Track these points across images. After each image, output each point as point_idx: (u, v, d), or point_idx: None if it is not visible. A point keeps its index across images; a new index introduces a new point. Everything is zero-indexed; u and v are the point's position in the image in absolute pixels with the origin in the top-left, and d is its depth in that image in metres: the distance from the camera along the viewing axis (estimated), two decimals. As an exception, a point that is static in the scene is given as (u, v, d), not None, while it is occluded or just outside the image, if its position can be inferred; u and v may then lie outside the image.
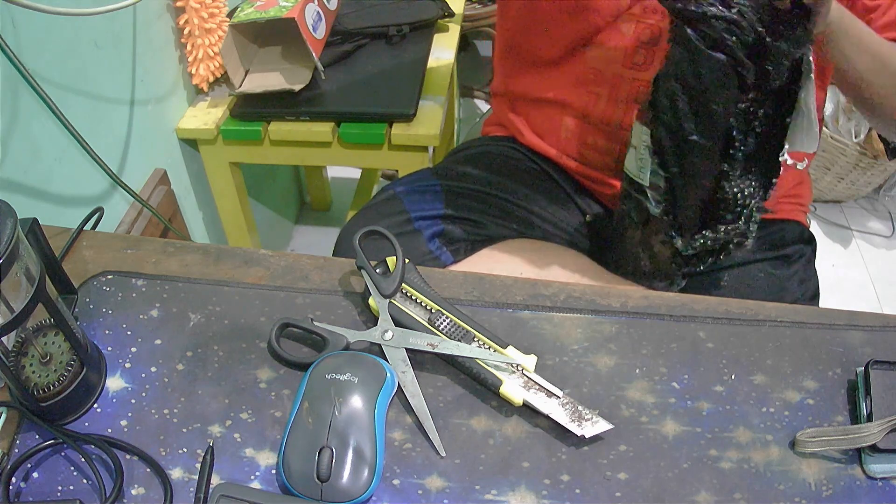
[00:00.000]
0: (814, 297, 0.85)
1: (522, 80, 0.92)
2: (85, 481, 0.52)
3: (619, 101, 0.81)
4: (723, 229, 0.71)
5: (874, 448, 0.52)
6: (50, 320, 0.54)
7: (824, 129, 1.85)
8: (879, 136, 1.79)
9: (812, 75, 0.63)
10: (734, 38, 0.59)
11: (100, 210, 0.71)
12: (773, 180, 0.70)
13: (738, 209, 0.69)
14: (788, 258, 0.85)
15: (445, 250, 0.82)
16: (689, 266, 0.76)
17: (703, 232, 0.71)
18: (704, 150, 0.65)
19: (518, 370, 0.57)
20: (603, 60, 0.80)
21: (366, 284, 0.61)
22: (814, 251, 0.90)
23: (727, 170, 0.67)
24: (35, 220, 0.57)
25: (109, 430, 0.55)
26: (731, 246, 0.73)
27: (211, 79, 1.18)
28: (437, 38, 1.32)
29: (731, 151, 0.66)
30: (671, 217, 0.71)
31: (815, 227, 1.92)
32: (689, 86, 0.63)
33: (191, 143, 1.20)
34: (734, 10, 0.59)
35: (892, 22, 0.75)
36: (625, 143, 0.78)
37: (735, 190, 0.68)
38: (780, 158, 0.67)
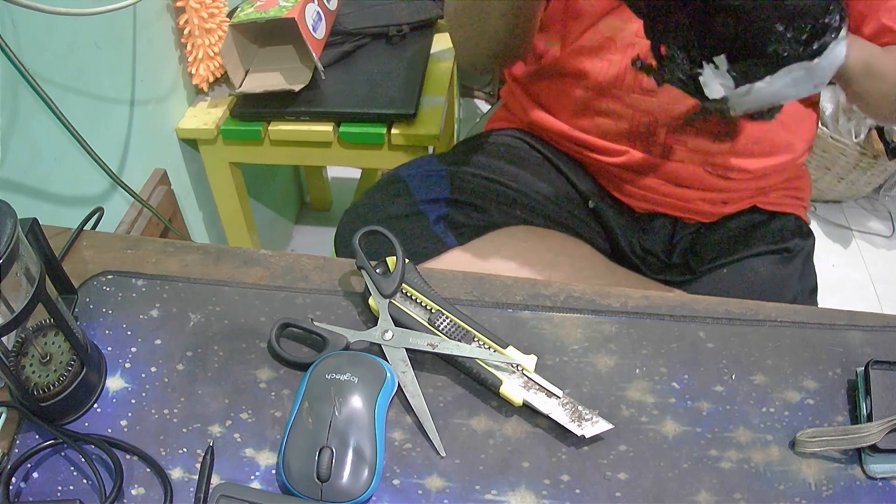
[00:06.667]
0: (813, 291, 0.86)
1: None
2: (85, 481, 0.52)
3: (631, 67, 0.82)
4: None
5: (874, 448, 0.52)
6: (50, 320, 0.54)
7: (824, 128, 1.85)
8: (879, 136, 1.80)
9: None
10: None
11: (100, 210, 0.71)
12: None
13: None
14: (788, 252, 0.85)
15: (450, 234, 0.82)
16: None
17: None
18: None
19: (518, 370, 0.57)
20: (615, 29, 0.81)
21: (366, 284, 0.61)
22: (812, 246, 0.90)
23: None
24: (35, 220, 0.57)
25: (109, 430, 0.55)
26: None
27: (211, 79, 1.18)
28: (437, 38, 1.32)
29: None
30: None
31: (815, 227, 1.91)
32: None
33: (191, 143, 1.20)
34: None
35: (878, 29, 0.75)
36: (638, 107, 0.80)
37: None
38: None
